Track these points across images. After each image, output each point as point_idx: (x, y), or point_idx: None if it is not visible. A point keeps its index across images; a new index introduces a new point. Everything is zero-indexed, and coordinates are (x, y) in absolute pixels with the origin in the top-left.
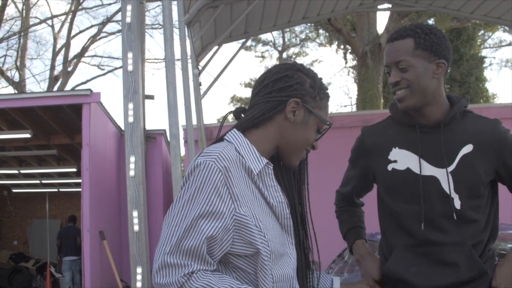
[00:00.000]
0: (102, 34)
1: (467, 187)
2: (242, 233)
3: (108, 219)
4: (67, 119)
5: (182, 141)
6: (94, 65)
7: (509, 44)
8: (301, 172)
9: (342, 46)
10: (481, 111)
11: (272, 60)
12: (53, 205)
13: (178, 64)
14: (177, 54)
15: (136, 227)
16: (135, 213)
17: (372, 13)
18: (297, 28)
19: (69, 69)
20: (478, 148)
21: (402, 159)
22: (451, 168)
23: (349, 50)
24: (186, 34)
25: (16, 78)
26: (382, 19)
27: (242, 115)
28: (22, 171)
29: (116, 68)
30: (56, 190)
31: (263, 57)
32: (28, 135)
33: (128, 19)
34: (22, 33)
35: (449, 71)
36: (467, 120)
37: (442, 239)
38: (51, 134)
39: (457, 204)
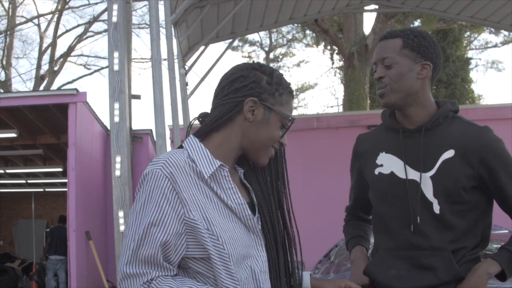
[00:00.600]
0: (89, 34)
1: (447, 192)
2: (195, 236)
3: (94, 219)
4: (53, 118)
5: (168, 141)
6: (81, 64)
7: (495, 46)
8: (278, 170)
9: (328, 47)
10: (467, 112)
11: (258, 61)
12: (39, 205)
13: (164, 64)
14: (164, 54)
15: (122, 227)
16: (121, 213)
17: (359, 14)
18: (284, 29)
19: (55, 68)
20: (459, 153)
21: (387, 163)
22: (431, 172)
23: (336, 51)
24: (173, 34)
25: (2, 77)
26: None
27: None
28: (7, 171)
29: (102, 68)
30: (42, 190)
31: (250, 57)
32: (14, 135)
33: (114, 19)
34: (8, 32)
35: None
36: (453, 125)
37: (423, 243)
38: (37, 133)
39: (436, 208)
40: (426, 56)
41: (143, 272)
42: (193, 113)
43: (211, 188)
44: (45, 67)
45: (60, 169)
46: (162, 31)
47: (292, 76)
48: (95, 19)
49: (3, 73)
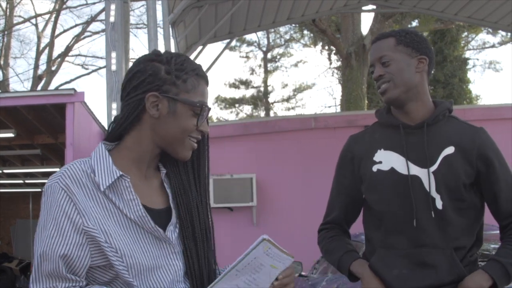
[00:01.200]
0: (86, 34)
1: (449, 188)
2: (97, 246)
3: None
4: (51, 118)
5: None
6: (78, 64)
7: (492, 46)
8: (200, 162)
9: (326, 47)
10: (464, 113)
11: (256, 61)
12: (36, 205)
13: None
14: None
15: None
16: None
17: (357, 14)
18: (282, 29)
19: (53, 68)
20: (459, 150)
21: (387, 159)
22: (433, 168)
23: (334, 51)
24: (171, 34)
25: (0, 77)
26: (366, 20)
27: None
28: (5, 171)
29: (100, 68)
30: (39, 190)
31: (247, 57)
32: (11, 135)
33: (112, 19)
34: (6, 32)
35: (433, 72)
36: (451, 124)
37: (425, 239)
38: (34, 133)
39: (439, 204)
40: (421, 51)
41: (50, 286)
42: None
43: (110, 199)
44: (42, 67)
45: (58, 169)
46: (160, 31)
47: (290, 76)
48: (93, 19)
49: (0, 73)
